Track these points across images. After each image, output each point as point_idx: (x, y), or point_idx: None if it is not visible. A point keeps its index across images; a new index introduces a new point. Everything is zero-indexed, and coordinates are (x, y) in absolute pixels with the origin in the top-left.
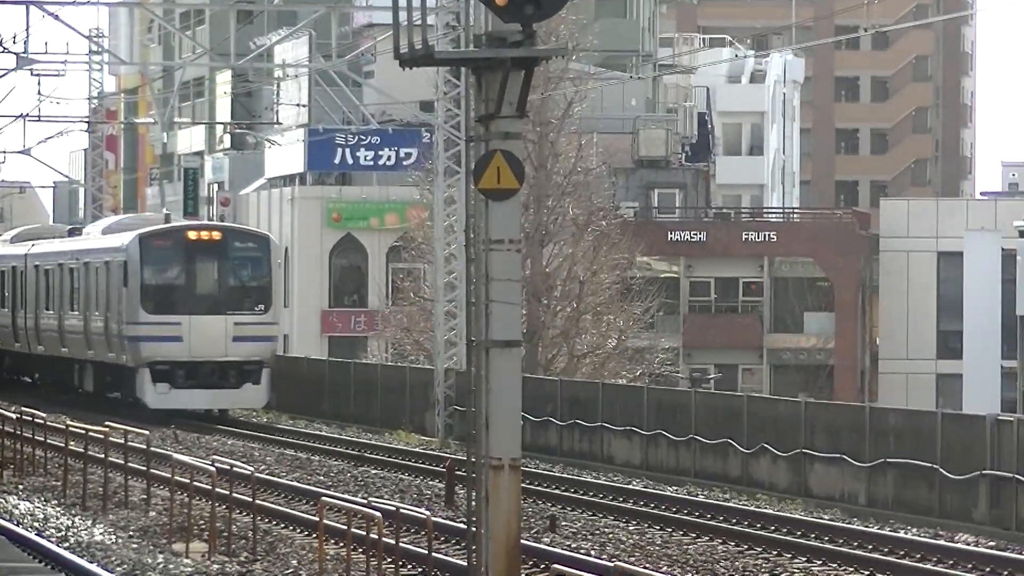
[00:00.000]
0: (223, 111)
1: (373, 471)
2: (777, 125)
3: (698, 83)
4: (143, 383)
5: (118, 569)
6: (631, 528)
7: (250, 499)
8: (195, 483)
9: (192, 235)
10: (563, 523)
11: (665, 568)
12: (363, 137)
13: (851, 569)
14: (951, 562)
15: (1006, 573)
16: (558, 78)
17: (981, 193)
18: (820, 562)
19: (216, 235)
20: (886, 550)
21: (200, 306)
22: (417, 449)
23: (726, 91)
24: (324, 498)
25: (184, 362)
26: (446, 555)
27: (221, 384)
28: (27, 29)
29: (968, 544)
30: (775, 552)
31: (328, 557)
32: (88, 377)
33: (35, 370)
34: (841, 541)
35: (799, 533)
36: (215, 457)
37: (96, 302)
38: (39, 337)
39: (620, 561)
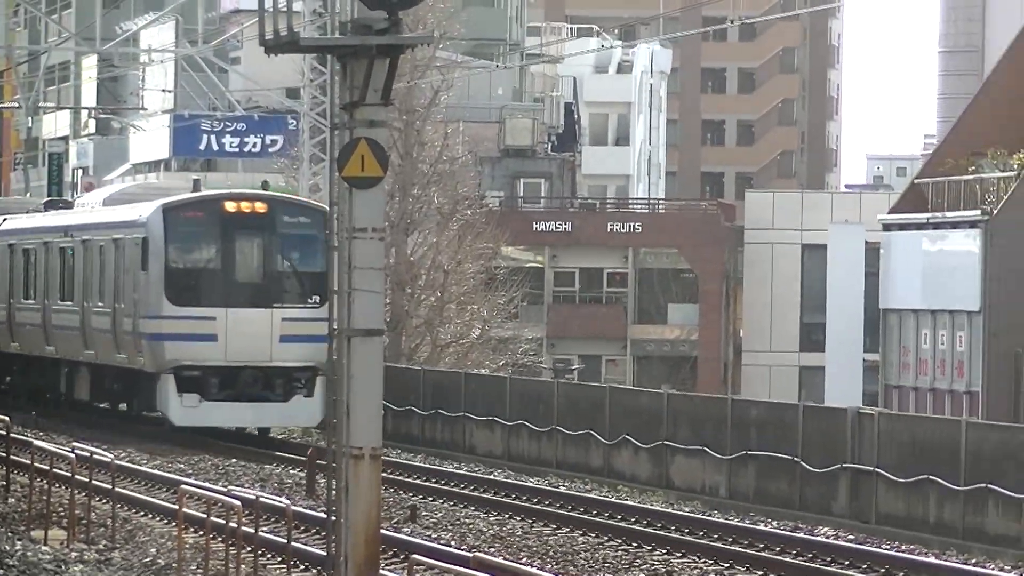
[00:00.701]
0: (88, 96)
1: (235, 459)
2: (643, 116)
3: (565, 73)
4: (166, 394)
5: None
6: (491, 519)
7: (109, 486)
8: (55, 470)
9: (230, 206)
10: (424, 513)
11: (525, 559)
12: (229, 124)
13: (711, 561)
14: (811, 555)
15: (865, 566)
16: (425, 66)
17: (846, 186)
18: (680, 554)
19: (260, 206)
20: (746, 542)
21: (240, 297)
22: (280, 437)
23: (593, 81)
24: (184, 486)
25: (219, 367)
26: (306, 544)
27: (265, 396)
28: None
29: (828, 537)
30: (635, 544)
31: (187, 545)
32: (83, 383)
33: (5, 373)
34: (701, 533)
35: (659, 525)
36: (75, 444)
37: (99, 290)
38: (13, 332)
39: (479, 551)
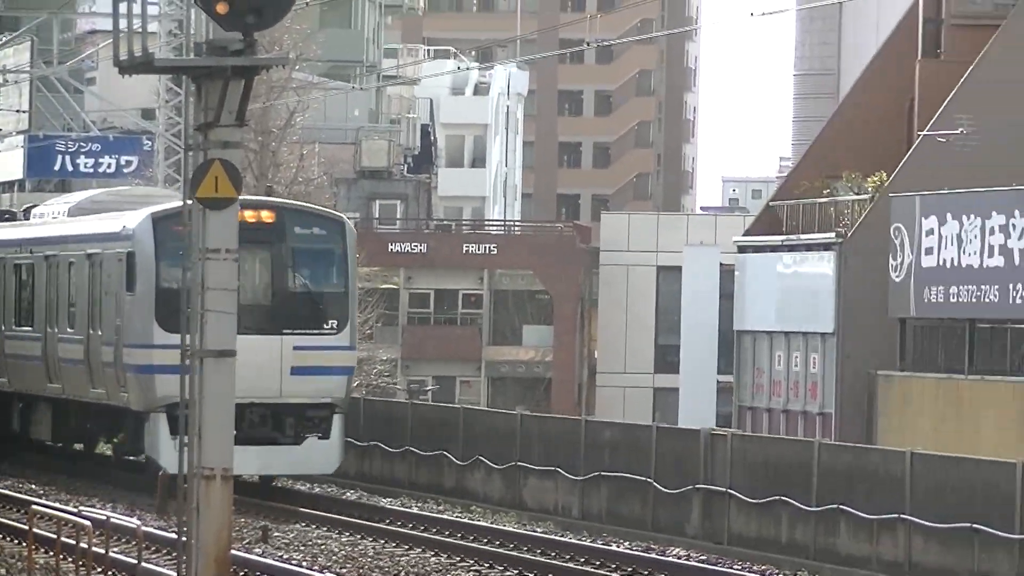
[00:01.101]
0: None
1: (87, 480)
2: (500, 137)
3: (422, 95)
4: (156, 435)
5: None
6: (343, 539)
7: None
8: None
9: None
10: (275, 534)
11: None
12: (83, 144)
13: None
14: (663, 575)
15: None
16: (281, 87)
17: (701, 208)
18: (532, 574)
19: (268, 215)
20: (598, 563)
21: (244, 322)
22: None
23: (450, 103)
24: (34, 506)
25: None
26: (156, 565)
27: (273, 438)
28: None
29: (680, 557)
30: (487, 564)
31: (38, 566)
32: (42, 422)
33: None
34: (553, 554)
35: (512, 546)
36: None
37: (69, 314)
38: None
39: (331, 572)
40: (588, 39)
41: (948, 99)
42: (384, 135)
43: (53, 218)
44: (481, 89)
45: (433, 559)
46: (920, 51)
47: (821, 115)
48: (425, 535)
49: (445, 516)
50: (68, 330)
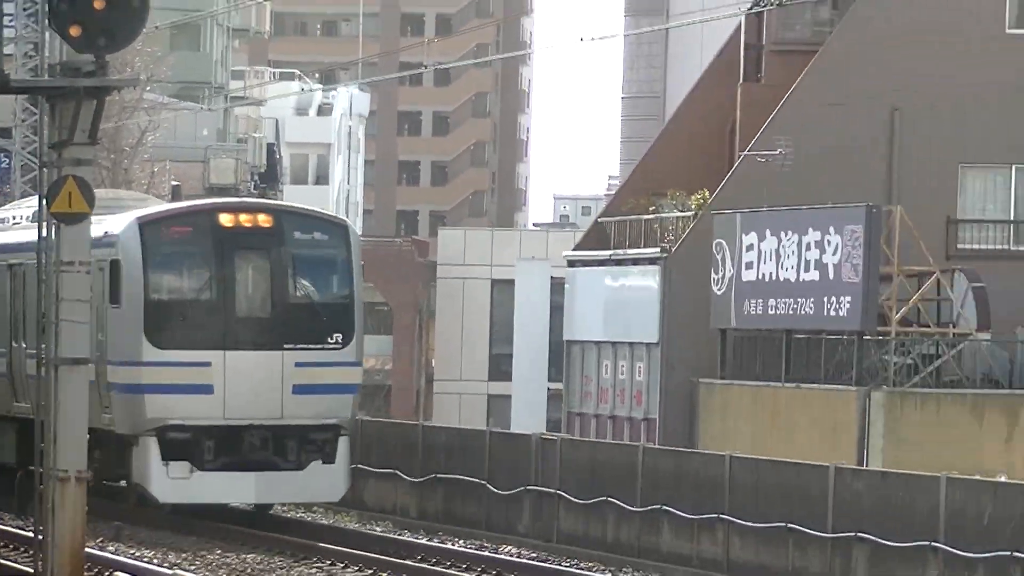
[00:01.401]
0: None
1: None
2: (342, 156)
3: (268, 115)
4: (145, 462)
5: None
6: (192, 539)
7: None
8: None
9: (226, 219)
10: (127, 533)
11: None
12: None
13: None
14: (495, 572)
15: None
16: (132, 107)
17: (534, 224)
18: (371, 571)
19: (265, 219)
20: (434, 560)
21: (242, 336)
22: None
23: (294, 123)
24: None
25: (215, 427)
26: (15, 563)
27: (274, 463)
28: None
29: (511, 555)
30: (329, 562)
31: None
32: (5, 444)
33: None
34: (392, 552)
35: (352, 544)
36: None
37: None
38: None
39: (180, 568)
40: (426, 62)
41: (767, 121)
42: (232, 153)
43: (14, 224)
44: (324, 110)
45: (277, 558)
46: (742, 75)
47: (648, 136)
48: (270, 535)
49: (287, 515)
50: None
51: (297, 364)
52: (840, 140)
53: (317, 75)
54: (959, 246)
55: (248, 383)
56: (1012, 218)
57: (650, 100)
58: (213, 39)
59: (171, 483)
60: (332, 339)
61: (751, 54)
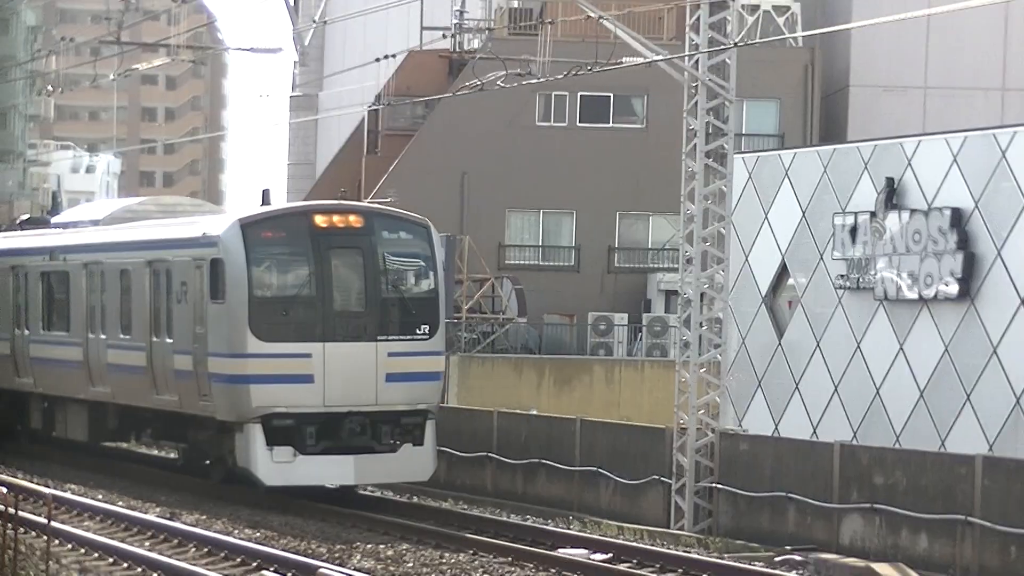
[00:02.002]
0: None
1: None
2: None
3: (53, 171)
4: (251, 448)
5: None
6: (319, 523)
7: None
8: None
9: (321, 220)
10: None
11: None
12: None
13: None
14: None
15: None
16: None
17: None
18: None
19: (356, 220)
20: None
21: (339, 329)
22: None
23: (70, 178)
24: None
25: (316, 414)
26: None
27: (370, 446)
28: None
29: None
30: (490, 555)
31: None
32: (76, 423)
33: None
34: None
35: (489, 532)
36: None
37: (122, 320)
38: (19, 369)
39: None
40: (158, 139)
41: (381, 181)
42: (29, 197)
43: (99, 226)
44: (90, 169)
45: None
46: (365, 150)
47: (304, 190)
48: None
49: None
50: (122, 336)
51: (390, 354)
52: (430, 192)
53: (86, 146)
54: (506, 262)
55: (345, 372)
56: (540, 244)
57: (306, 166)
58: (15, 121)
59: (275, 467)
60: (420, 330)
61: (372, 136)
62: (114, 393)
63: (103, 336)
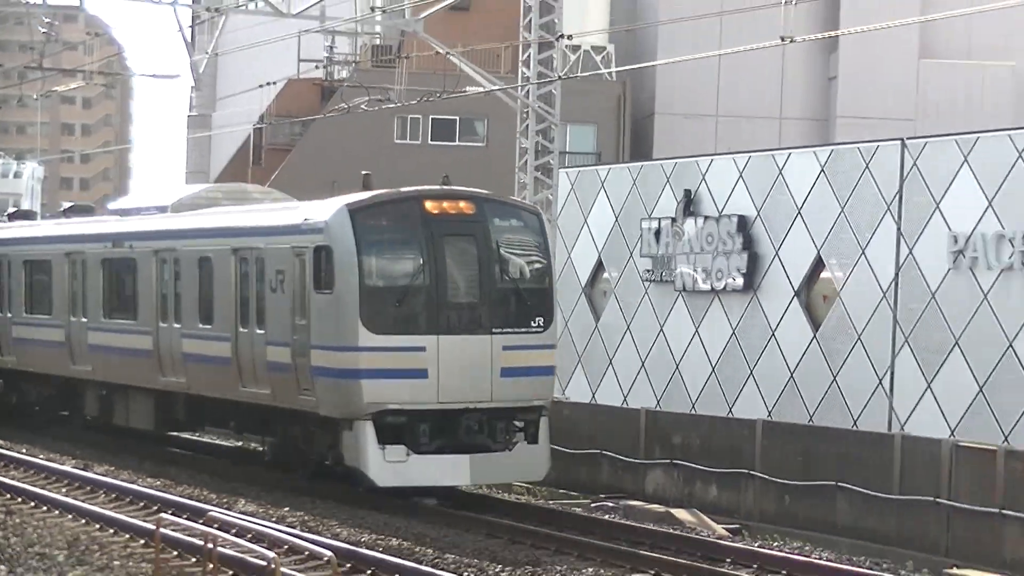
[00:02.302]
0: None
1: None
2: (28, 202)
3: None
4: (362, 446)
5: None
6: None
7: None
8: None
9: (432, 206)
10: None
11: None
12: None
13: None
14: None
15: None
16: None
17: None
18: None
19: (467, 206)
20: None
21: (454, 321)
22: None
23: (1, 182)
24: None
25: (430, 411)
26: None
27: (486, 445)
28: None
29: None
30: None
31: None
32: (141, 411)
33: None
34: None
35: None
36: None
37: (202, 309)
38: (74, 356)
39: None
40: (77, 151)
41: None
42: None
43: (146, 214)
44: (18, 175)
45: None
46: (251, 161)
47: None
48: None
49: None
50: (201, 326)
51: (505, 348)
52: (304, 199)
53: (14, 155)
54: None
55: (460, 367)
56: None
57: (201, 174)
58: None
59: (388, 467)
60: (534, 323)
61: (256, 150)
62: (189, 383)
63: (176, 325)
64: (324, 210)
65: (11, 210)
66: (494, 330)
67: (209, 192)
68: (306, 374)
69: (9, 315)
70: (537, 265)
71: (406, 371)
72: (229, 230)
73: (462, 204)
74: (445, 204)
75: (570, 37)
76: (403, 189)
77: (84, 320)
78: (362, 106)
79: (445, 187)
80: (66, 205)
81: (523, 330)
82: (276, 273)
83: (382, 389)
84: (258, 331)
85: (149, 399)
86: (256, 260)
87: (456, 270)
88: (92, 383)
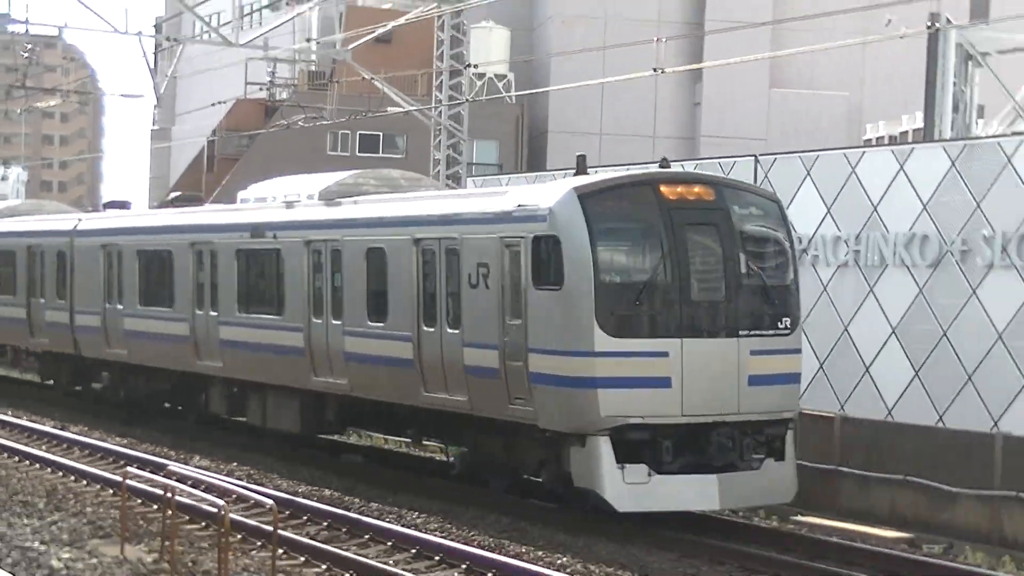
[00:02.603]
0: None
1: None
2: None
3: None
4: (597, 465)
5: None
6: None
7: None
8: None
9: (668, 191)
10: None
11: None
12: None
13: None
14: None
15: None
16: None
17: None
18: None
19: (706, 192)
20: None
21: (697, 321)
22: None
23: None
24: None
25: (673, 425)
26: None
27: (733, 463)
28: None
29: None
30: None
31: None
32: (286, 412)
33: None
34: None
35: None
36: None
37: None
38: (200, 351)
39: None
40: (56, 158)
41: (216, 191)
42: None
43: (297, 204)
44: (5, 178)
45: None
46: (205, 169)
47: (161, 197)
48: None
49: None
50: (370, 324)
51: (752, 352)
52: None
53: (2, 161)
54: None
55: (705, 374)
56: None
57: (161, 179)
58: None
59: (628, 489)
60: (781, 324)
61: (210, 160)
62: (353, 385)
63: (336, 322)
64: (545, 195)
65: (175, 194)
66: (741, 333)
67: (358, 179)
68: (520, 381)
69: (119, 307)
70: (781, 258)
71: (647, 379)
72: (409, 219)
73: (699, 189)
74: (681, 189)
75: (476, 66)
76: (632, 171)
77: (214, 314)
78: (300, 122)
79: (681, 171)
80: (175, 194)
81: (771, 332)
82: (477, 267)
83: (621, 400)
84: (449, 331)
85: (294, 400)
86: (447, 252)
87: (699, 264)
88: (220, 380)
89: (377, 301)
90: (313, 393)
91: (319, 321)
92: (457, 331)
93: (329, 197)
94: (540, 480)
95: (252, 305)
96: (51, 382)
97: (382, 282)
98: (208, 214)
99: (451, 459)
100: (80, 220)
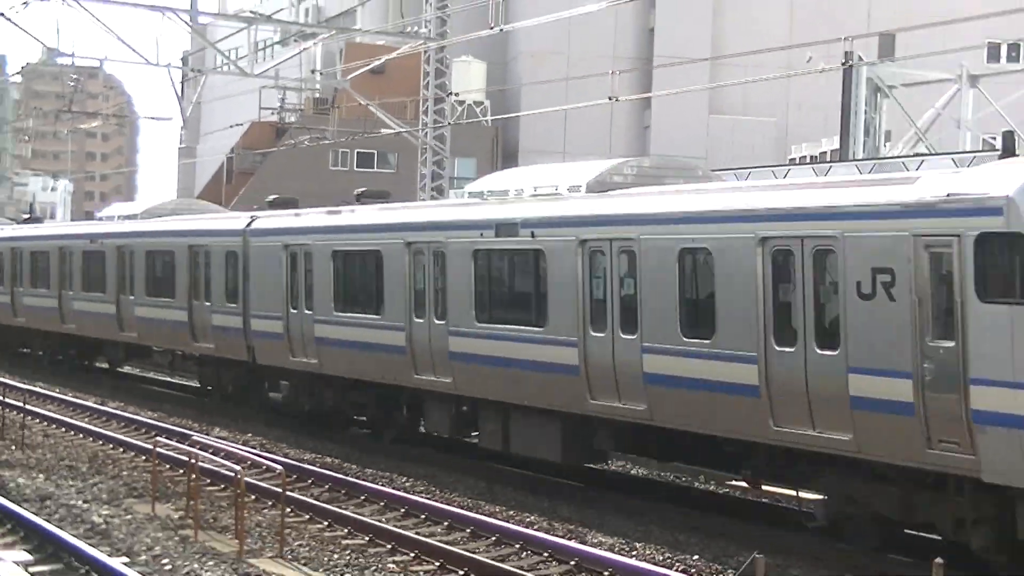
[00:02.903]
0: None
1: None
2: None
3: None
4: None
5: None
6: None
7: None
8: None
9: None
10: None
11: None
12: None
13: None
14: None
15: None
16: None
17: None
18: None
19: None
20: None
21: None
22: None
23: None
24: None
25: None
26: None
27: None
28: None
29: None
30: None
31: None
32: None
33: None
34: None
35: None
36: None
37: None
38: (294, 349)
39: None
40: (97, 172)
41: (234, 200)
42: (14, 205)
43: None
44: (54, 189)
45: None
46: (224, 182)
47: None
48: None
49: None
50: (685, 340)
51: None
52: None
53: (51, 175)
54: None
55: None
56: None
57: (187, 191)
58: (5, 158)
59: None
60: None
61: (229, 174)
62: (653, 412)
63: (627, 337)
64: (989, 181)
65: (272, 197)
66: None
67: (623, 168)
68: (952, 420)
69: (308, 312)
70: None
71: None
72: (749, 213)
73: None
74: None
75: (457, 94)
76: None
77: (442, 323)
78: (306, 142)
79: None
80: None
81: None
82: (873, 272)
83: None
84: (819, 351)
85: (554, 423)
86: (816, 254)
87: None
88: (443, 396)
89: (692, 312)
90: (578, 417)
91: (599, 335)
92: (836, 352)
93: (601, 189)
94: (940, 537)
95: (496, 313)
96: (209, 388)
97: (707, 291)
98: (430, 210)
99: (807, 510)
100: (253, 219)
